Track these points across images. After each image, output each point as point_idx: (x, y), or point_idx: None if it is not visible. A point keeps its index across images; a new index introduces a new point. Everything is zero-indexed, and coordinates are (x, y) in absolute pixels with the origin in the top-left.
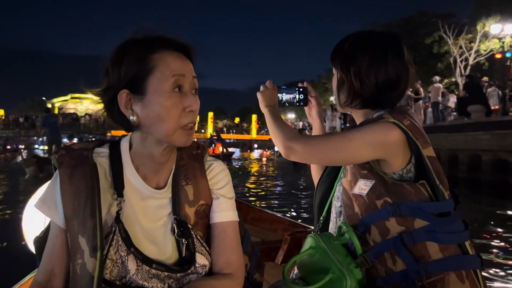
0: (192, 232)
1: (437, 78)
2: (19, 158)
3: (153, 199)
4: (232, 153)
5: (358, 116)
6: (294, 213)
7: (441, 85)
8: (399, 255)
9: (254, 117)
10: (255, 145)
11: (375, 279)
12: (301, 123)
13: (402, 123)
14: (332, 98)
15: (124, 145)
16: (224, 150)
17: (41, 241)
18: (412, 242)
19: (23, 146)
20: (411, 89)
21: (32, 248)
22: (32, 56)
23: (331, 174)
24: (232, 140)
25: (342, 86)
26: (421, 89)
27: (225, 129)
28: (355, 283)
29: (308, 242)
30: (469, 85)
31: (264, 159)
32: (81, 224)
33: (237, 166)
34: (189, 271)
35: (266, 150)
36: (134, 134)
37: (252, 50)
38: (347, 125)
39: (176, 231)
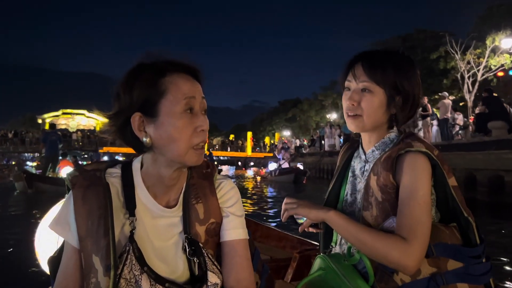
0: (203, 250)
1: (446, 93)
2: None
3: (164, 218)
4: (221, 170)
5: (373, 137)
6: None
7: (450, 101)
8: None
9: (249, 134)
10: (251, 163)
11: None
12: (297, 141)
13: (433, 153)
14: (329, 116)
15: (136, 166)
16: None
17: (55, 261)
18: (445, 283)
19: (14, 162)
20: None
21: (45, 267)
22: (25, 73)
23: (331, 195)
24: (226, 158)
25: (391, 102)
26: (429, 106)
27: (217, 147)
28: None
29: (317, 263)
30: (488, 100)
31: (258, 177)
32: (94, 243)
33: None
34: None
35: (262, 168)
36: (146, 155)
37: (245, 68)
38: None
39: (187, 250)
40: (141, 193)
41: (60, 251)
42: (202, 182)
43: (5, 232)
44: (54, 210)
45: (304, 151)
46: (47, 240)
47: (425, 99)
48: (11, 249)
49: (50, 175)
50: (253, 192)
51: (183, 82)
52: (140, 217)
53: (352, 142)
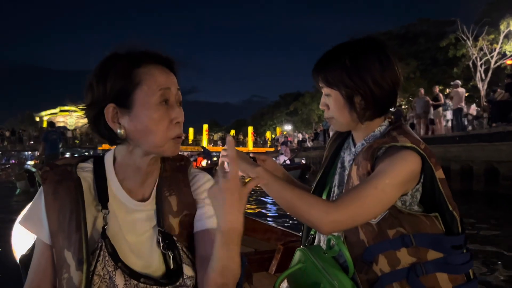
0: (177, 244)
1: (459, 82)
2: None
3: (138, 212)
4: (216, 164)
5: (361, 131)
6: (287, 222)
7: (464, 90)
8: (411, 285)
9: (250, 129)
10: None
11: None
12: (300, 135)
13: (419, 147)
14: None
15: (108, 159)
16: (209, 162)
17: (27, 259)
18: (424, 273)
19: (14, 161)
20: (419, 94)
21: None
22: (23, 71)
23: (319, 186)
24: None
25: (352, 101)
26: (441, 95)
27: (219, 142)
28: None
29: (297, 256)
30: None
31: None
32: (66, 238)
33: None
34: (178, 283)
35: None
36: (119, 147)
37: (244, 63)
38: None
39: (161, 243)
40: (114, 187)
41: (32, 249)
42: (176, 175)
43: None
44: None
45: (308, 145)
46: (23, 237)
47: (437, 89)
48: None
49: None
50: (253, 190)
51: (159, 73)
52: (113, 211)
53: (341, 132)
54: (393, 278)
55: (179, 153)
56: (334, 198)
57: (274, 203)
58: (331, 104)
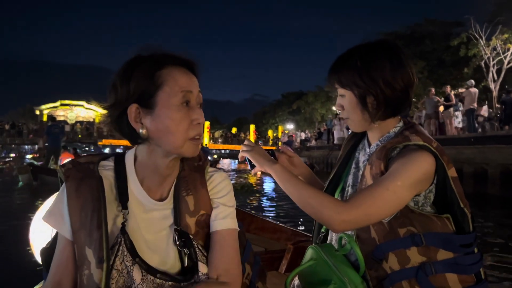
0: (193, 242)
1: (472, 81)
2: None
3: (155, 211)
4: (217, 161)
5: (376, 131)
6: (297, 221)
7: (476, 90)
8: (420, 284)
9: (252, 127)
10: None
11: None
12: (303, 134)
13: (431, 145)
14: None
15: (129, 158)
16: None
17: (47, 252)
18: (434, 273)
19: (13, 155)
20: (427, 95)
21: (38, 259)
22: (27, 65)
23: (331, 184)
24: (227, 151)
25: (364, 101)
26: (452, 95)
27: (219, 140)
28: None
29: (309, 253)
30: None
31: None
32: (87, 235)
33: (241, 182)
34: (193, 280)
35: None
36: (140, 146)
37: (246, 61)
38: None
39: (178, 241)
40: (134, 187)
41: (53, 243)
42: (193, 175)
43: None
44: (49, 202)
45: (311, 144)
46: (42, 231)
47: (448, 88)
48: (7, 241)
49: (52, 167)
50: (257, 188)
51: (180, 75)
52: (132, 210)
53: (356, 133)
54: (402, 276)
55: None
56: (347, 198)
57: (283, 202)
58: (346, 104)
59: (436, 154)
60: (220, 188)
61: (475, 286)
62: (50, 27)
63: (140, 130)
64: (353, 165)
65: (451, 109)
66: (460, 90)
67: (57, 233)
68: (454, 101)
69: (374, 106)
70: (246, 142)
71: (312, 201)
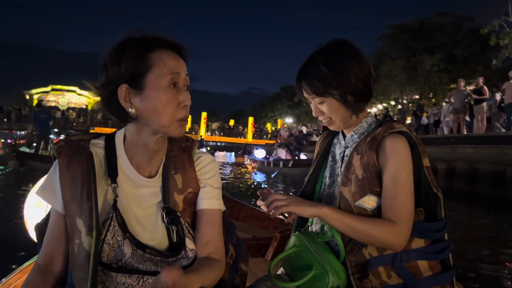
0: (181, 219)
1: None
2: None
3: (145, 188)
4: (211, 153)
5: (350, 122)
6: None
7: None
8: (396, 270)
9: (250, 119)
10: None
11: None
12: (304, 128)
13: (412, 134)
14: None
15: (119, 137)
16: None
17: (41, 227)
18: (407, 260)
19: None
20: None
21: (33, 235)
22: (24, 51)
23: (311, 180)
24: (224, 144)
25: (346, 100)
26: (486, 88)
27: (216, 132)
28: (337, 279)
29: (292, 240)
30: None
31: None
32: (78, 206)
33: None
34: (180, 255)
35: (244, 154)
36: (129, 125)
37: (244, 53)
38: None
39: (166, 218)
40: (123, 163)
41: (47, 218)
42: (181, 155)
43: None
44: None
45: (313, 139)
46: (35, 209)
47: (480, 81)
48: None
49: (42, 153)
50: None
51: (169, 58)
52: (121, 186)
53: (331, 130)
54: (380, 261)
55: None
56: (325, 189)
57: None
58: (326, 108)
59: (415, 142)
60: (207, 169)
61: (443, 273)
62: (46, 12)
63: (130, 110)
64: (330, 159)
65: (484, 103)
66: (470, 87)
67: (50, 209)
68: (487, 95)
69: (353, 102)
70: (276, 197)
71: (371, 233)
